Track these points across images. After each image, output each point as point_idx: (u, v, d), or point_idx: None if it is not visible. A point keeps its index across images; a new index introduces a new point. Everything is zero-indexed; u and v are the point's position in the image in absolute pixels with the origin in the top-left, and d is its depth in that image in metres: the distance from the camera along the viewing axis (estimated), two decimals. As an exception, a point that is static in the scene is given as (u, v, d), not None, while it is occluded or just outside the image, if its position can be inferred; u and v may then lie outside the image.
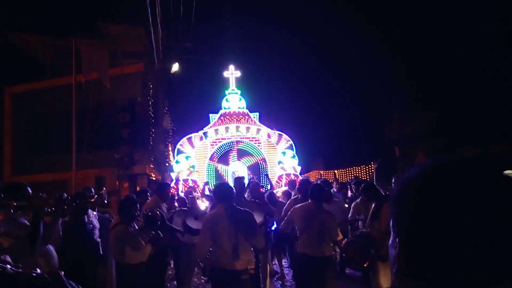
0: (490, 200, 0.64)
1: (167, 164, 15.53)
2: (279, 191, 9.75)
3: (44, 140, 14.86)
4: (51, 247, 3.56)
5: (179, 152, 12.13)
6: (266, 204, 6.03)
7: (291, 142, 12.27)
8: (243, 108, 12.67)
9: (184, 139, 12.34)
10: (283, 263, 7.61)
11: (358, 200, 5.85)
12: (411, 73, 17.26)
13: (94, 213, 5.24)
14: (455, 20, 16.06)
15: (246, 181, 6.83)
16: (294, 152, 12.16)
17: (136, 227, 4.38)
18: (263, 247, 4.45)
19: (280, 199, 7.48)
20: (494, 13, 13.89)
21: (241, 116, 12.49)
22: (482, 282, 0.62)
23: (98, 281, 4.88)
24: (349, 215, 5.96)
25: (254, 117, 12.69)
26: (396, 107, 17.21)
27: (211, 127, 12.47)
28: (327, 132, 24.76)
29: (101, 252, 4.89)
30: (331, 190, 6.86)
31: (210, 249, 3.90)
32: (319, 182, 6.65)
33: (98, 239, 5.08)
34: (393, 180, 5.85)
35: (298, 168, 11.97)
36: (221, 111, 12.68)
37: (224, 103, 12.75)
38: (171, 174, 12.23)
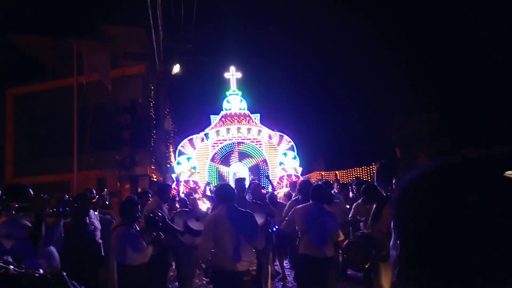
0: (492, 203, 0.64)
1: (168, 165, 15.55)
2: (280, 192, 9.75)
3: (45, 142, 14.91)
4: (53, 249, 3.56)
5: (180, 153, 12.14)
6: (268, 205, 6.03)
7: (292, 143, 12.27)
8: (244, 109, 12.67)
9: (185, 141, 12.35)
10: (285, 264, 7.60)
11: (359, 201, 5.84)
12: (413, 74, 17.26)
13: (96, 213, 5.25)
14: (456, 21, 16.07)
15: (247, 183, 6.84)
16: (295, 153, 12.16)
17: (138, 228, 4.38)
18: (263, 247, 4.45)
19: (280, 200, 7.48)
20: (495, 13, 13.89)
21: (242, 117, 12.50)
22: (484, 284, 0.62)
23: (99, 283, 4.89)
24: (350, 216, 5.95)
25: (255, 118, 12.69)
26: (397, 108, 17.21)
27: (212, 128, 12.48)
28: (328, 133, 24.76)
29: (102, 254, 4.89)
30: (332, 191, 6.86)
31: (212, 250, 3.90)
32: (320, 183, 6.66)
33: (100, 241, 5.08)
34: (393, 181, 5.84)
35: (299, 169, 11.97)
36: (222, 112, 12.68)
37: (225, 104, 12.76)
38: (172, 175, 12.25)
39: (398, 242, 0.72)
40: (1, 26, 14.19)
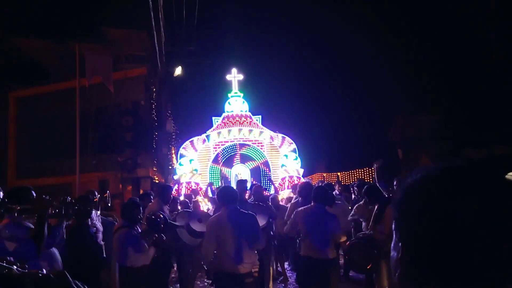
0: (493, 205, 0.64)
1: (170, 167, 15.58)
2: (281, 194, 9.74)
3: (48, 144, 14.93)
4: (54, 250, 3.57)
5: (182, 155, 12.15)
6: (270, 207, 6.04)
7: (294, 144, 12.27)
8: (245, 111, 12.69)
9: (187, 142, 12.37)
10: (286, 266, 7.60)
11: (361, 202, 5.83)
12: (414, 75, 17.23)
13: (98, 214, 5.26)
14: (456, 22, 16.05)
15: (248, 185, 6.85)
16: (297, 154, 12.15)
17: (139, 230, 4.39)
18: (263, 247, 4.44)
19: (282, 203, 7.47)
20: (494, 14, 13.87)
21: (244, 119, 12.51)
22: (484, 286, 0.63)
23: (101, 285, 4.90)
24: (350, 215, 5.92)
25: (256, 120, 12.70)
26: (399, 109, 17.18)
27: (213, 130, 12.49)
28: (330, 135, 24.74)
29: (104, 255, 4.90)
30: (333, 193, 6.85)
31: (214, 252, 3.91)
32: (321, 185, 6.65)
33: (102, 242, 5.09)
34: (395, 183, 5.83)
35: (301, 171, 11.96)
36: (224, 114, 12.70)
37: (226, 106, 12.77)
38: (174, 177, 12.26)
39: (400, 245, 0.72)
40: (3, 29, 14.26)
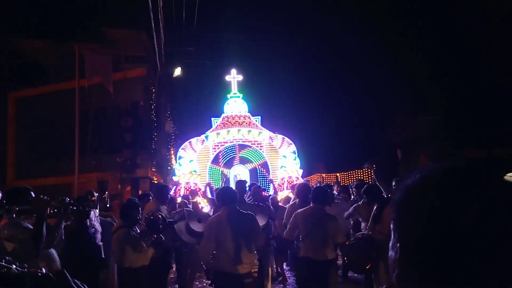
0: (493, 206, 0.64)
1: (169, 168, 15.58)
2: (280, 195, 9.75)
3: (47, 144, 14.92)
4: (53, 251, 3.57)
5: (181, 156, 12.15)
6: (269, 208, 6.04)
7: (293, 145, 12.27)
8: (245, 111, 12.69)
9: (186, 143, 12.37)
10: (284, 267, 7.60)
11: (360, 202, 5.83)
12: (413, 76, 17.24)
13: (97, 214, 5.26)
14: (456, 22, 16.07)
15: (247, 185, 6.85)
16: (296, 155, 12.15)
17: (138, 231, 4.39)
18: (262, 244, 4.42)
19: (280, 204, 7.47)
20: (494, 14, 13.89)
21: (243, 120, 12.51)
22: (483, 286, 0.63)
23: (100, 285, 4.89)
24: (346, 214, 5.89)
25: (256, 121, 12.70)
26: (398, 110, 17.18)
27: (213, 130, 12.49)
28: (329, 135, 24.72)
29: (103, 256, 4.90)
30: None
31: (214, 252, 3.91)
32: (320, 185, 6.65)
33: (100, 243, 5.09)
34: (393, 183, 5.83)
35: (300, 171, 11.96)
36: (223, 115, 12.70)
37: (226, 107, 12.77)
38: (173, 177, 12.26)
39: (398, 244, 0.72)
40: (3, 30, 14.27)
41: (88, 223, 4.77)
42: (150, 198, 6.28)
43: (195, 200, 8.15)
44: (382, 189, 4.93)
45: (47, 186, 12.92)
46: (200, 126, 13.91)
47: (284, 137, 12.36)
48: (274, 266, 7.35)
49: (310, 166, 19.49)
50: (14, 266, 1.22)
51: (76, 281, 1.16)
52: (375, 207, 4.82)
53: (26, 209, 2.91)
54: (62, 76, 15.56)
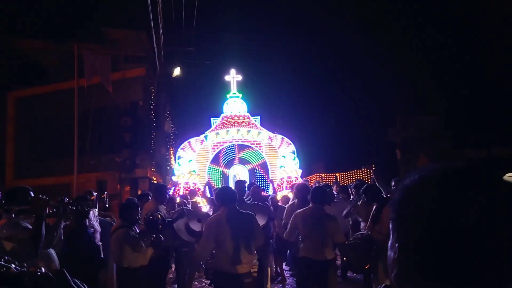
0: (493, 207, 0.64)
1: (168, 168, 15.58)
2: (279, 194, 9.75)
3: (46, 144, 14.92)
4: (52, 251, 3.57)
5: (180, 156, 12.15)
6: (268, 207, 6.03)
7: (292, 145, 12.27)
8: (244, 112, 12.69)
9: (185, 143, 12.36)
10: (283, 267, 7.60)
11: (358, 202, 5.82)
12: (413, 76, 17.25)
13: (96, 214, 5.25)
14: (456, 23, 16.08)
15: (247, 185, 6.85)
16: (296, 155, 12.15)
17: (137, 231, 4.39)
18: (262, 243, 4.42)
19: (280, 203, 7.47)
20: (495, 14, 13.89)
21: (242, 119, 12.50)
22: (484, 287, 0.63)
23: (99, 285, 4.89)
24: (344, 212, 5.87)
25: (255, 121, 12.70)
26: (398, 110, 17.18)
27: (212, 130, 12.49)
28: (329, 135, 24.73)
29: (102, 256, 4.90)
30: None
31: (213, 252, 3.91)
32: (319, 185, 6.65)
33: (99, 243, 5.09)
34: (393, 183, 5.84)
35: (300, 171, 11.97)
36: (222, 115, 12.70)
37: (225, 107, 12.77)
38: (173, 177, 12.26)
39: (396, 244, 0.72)
40: (3, 30, 14.26)
41: (87, 223, 4.77)
42: (150, 198, 6.28)
43: (194, 200, 8.15)
44: (381, 189, 4.94)
45: (46, 186, 12.91)
46: (199, 126, 13.91)
47: (283, 137, 12.35)
48: (274, 266, 7.35)
49: (309, 166, 19.51)
50: (13, 266, 1.22)
51: (76, 280, 1.16)
52: (374, 207, 4.82)
53: (25, 209, 2.91)
54: (61, 76, 15.55)
